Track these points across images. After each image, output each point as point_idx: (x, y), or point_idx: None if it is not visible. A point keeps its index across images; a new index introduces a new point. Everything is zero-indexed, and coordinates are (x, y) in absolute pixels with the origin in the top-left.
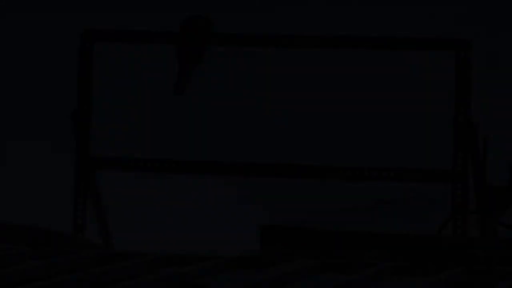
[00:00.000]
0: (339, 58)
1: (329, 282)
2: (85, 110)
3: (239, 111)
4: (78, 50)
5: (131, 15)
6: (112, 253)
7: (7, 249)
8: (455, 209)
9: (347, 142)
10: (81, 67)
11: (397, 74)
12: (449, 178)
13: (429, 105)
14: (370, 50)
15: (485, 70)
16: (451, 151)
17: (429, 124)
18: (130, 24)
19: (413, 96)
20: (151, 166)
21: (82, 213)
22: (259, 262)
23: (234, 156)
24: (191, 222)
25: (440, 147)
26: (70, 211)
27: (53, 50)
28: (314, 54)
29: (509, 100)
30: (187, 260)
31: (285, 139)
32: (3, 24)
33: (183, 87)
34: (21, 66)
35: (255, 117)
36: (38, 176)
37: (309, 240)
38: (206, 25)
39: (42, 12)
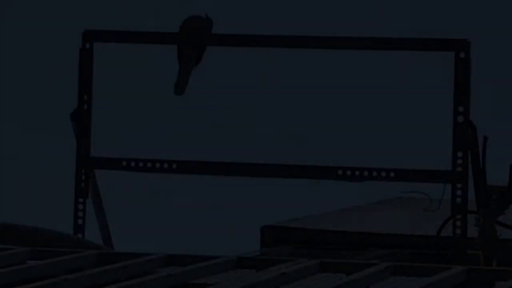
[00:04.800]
0: (338, 58)
1: (330, 282)
2: (85, 110)
3: (239, 111)
4: (78, 50)
5: (131, 15)
6: (112, 253)
7: (7, 249)
8: (455, 209)
9: (347, 142)
10: (81, 67)
11: (397, 74)
12: (449, 178)
13: (429, 105)
14: (370, 50)
15: (484, 69)
16: (451, 151)
17: (429, 124)
18: (130, 24)
19: (412, 96)
20: (151, 166)
21: (82, 213)
22: (259, 262)
23: (234, 156)
24: (191, 222)
25: (440, 147)
26: (70, 211)
27: (53, 50)
28: (314, 54)
29: (509, 99)
30: (187, 260)
31: (285, 139)
32: (3, 24)
33: (183, 87)
34: (21, 66)
35: (256, 117)
36: (37, 176)
37: (309, 240)
38: (206, 25)
39: (42, 12)
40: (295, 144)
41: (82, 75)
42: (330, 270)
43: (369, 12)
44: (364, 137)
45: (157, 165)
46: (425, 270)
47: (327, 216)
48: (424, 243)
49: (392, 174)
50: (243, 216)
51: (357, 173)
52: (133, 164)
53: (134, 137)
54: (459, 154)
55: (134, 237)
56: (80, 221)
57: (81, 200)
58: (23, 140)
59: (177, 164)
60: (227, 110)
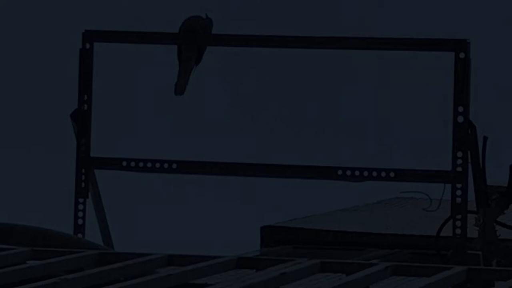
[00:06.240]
0: (338, 58)
1: (330, 282)
2: (85, 110)
3: (239, 111)
4: (78, 50)
5: (131, 15)
6: (112, 253)
7: (7, 249)
8: (455, 209)
9: (347, 142)
10: (81, 67)
11: (397, 74)
12: (449, 178)
13: (429, 105)
14: (370, 50)
15: (484, 69)
16: (451, 151)
17: (429, 124)
18: (130, 24)
19: (412, 96)
20: (151, 166)
21: (82, 213)
22: (259, 262)
23: (234, 156)
24: (191, 222)
25: (440, 147)
26: (70, 211)
27: (53, 50)
28: (313, 54)
29: (509, 99)
30: (187, 260)
31: (285, 139)
32: (3, 24)
33: (183, 87)
34: (21, 66)
35: (255, 117)
36: (38, 176)
37: (309, 240)
38: (206, 25)
39: (42, 12)
40: (295, 144)
41: (82, 75)
42: (330, 270)
43: (369, 12)
44: (364, 137)
45: (157, 165)
46: (425, 270)
47: (327, 216)
48: (424, 243)
49: (392, 174)
50: (243, 216)
51: (357, 173)
52: (133, 164)
53: (134, 137)
54: (459, 154)
55: (134, 237)
56: (80, 221)
57: (81, 200)
58: (23, 139)
59: (177, 164)
60: (227, 110)
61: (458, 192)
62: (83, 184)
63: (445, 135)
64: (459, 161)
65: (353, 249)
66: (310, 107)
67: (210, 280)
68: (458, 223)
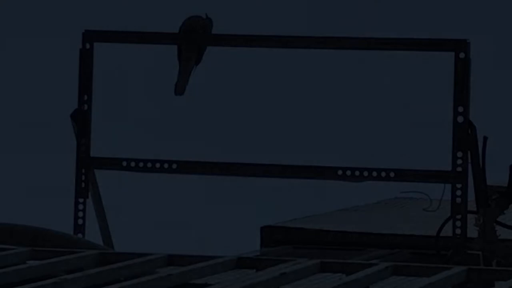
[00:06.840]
0: (338, 58)
1: (330, 282)
2: (85, 110)
3: (239, 111)
4: (78, 50)
5: (131, 15)
6: (112, 253)
7: (7, 249)
8: (455, 209)
9: (347, 142)
10: (81, 67)
11: (397, 74)
12: (449, 178)
13: (429, 105)
14: (370, 50)
15: (484, 69)
16: (451, 151)
17: (429, 124)
18: (130, 24)
19: (412, 96)
20: (151, 166)
21: (82, 213)
22: (259, 262)
23: (234, 156)
24: (191, 222)
25: (440, 147)
26: (70, 211)
27: (53, 50)
28: (313, 54)
29: (508, 99)
30: (187, 260)
31: (285, 139)
32: (3, 24)
33: (183, 87)
34: (21, 66)
35: (255, 117)
36: (38, 176)
37: (309, 240)
38: (206, 25)
39: (42, 12)
40: (295, 144)
41: (82, 75)
42: (330, 270)
43: (369, 12)
44: (364, 137)
45: (157, 165)
46: (425, 270)
47: (327, 216)
48: (424, 243)
49: (392, 174)
50: (243, 216)
51: (357, 173)
52: (133, 164)
53: (134, 137)
54: (459, 154)
55: (134, 237)
56: (80, 221)
57: (81, 200)
58: (23, 139)
59: (177, 164)
60: (227, 110)
61: (458, 192)
62: (83, 184)
63: (445, 135)
64: (459, 161)
65: (353, 249)
66: (310, 107)
67: (210, 280)
68: (458, 223)
